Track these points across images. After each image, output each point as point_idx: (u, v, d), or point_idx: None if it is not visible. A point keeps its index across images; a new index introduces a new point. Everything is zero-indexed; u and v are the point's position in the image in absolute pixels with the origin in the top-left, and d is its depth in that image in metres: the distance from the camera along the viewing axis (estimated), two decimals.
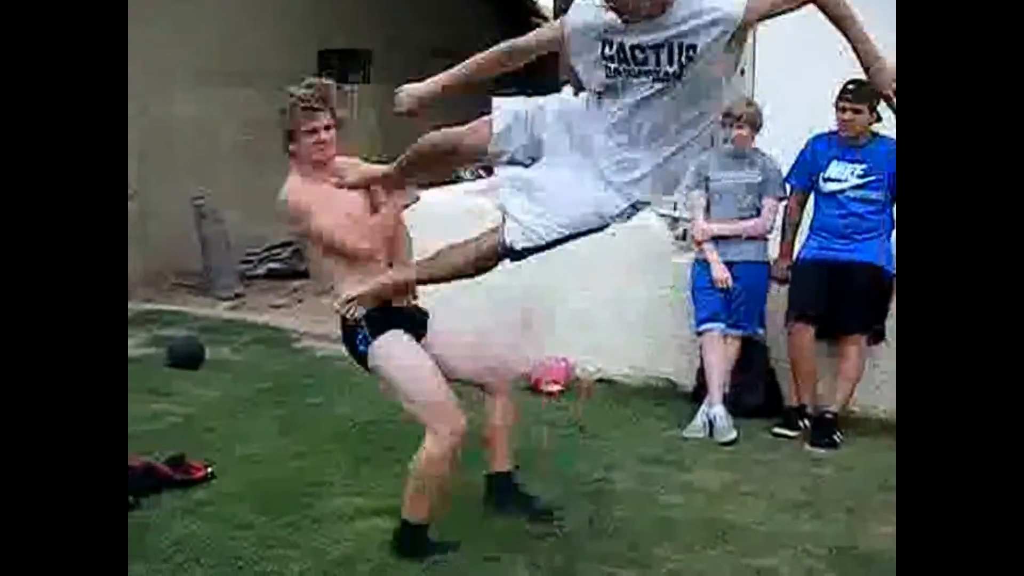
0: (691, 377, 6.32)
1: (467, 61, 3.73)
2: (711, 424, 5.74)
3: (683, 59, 3.21)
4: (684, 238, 6.92)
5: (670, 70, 3.24)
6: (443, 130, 3.91)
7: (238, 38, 10.72)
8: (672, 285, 6.41)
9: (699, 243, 6.15)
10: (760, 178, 6.10)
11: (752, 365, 6.14)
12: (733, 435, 5.70)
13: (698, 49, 3.19)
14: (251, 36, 10.90)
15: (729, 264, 6.01)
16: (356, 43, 12.79)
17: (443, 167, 4.14)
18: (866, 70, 3.09)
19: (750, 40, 7.72)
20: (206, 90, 10.43)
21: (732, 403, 5.89)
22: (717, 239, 6.07)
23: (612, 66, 3.32)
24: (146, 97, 9.63)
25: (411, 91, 3.78)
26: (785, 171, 6.14)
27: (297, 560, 4.09)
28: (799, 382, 5.90)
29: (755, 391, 6.13)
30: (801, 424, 5.82)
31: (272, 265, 10.30)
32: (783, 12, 3.21)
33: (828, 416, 5.73)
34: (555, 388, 6.49)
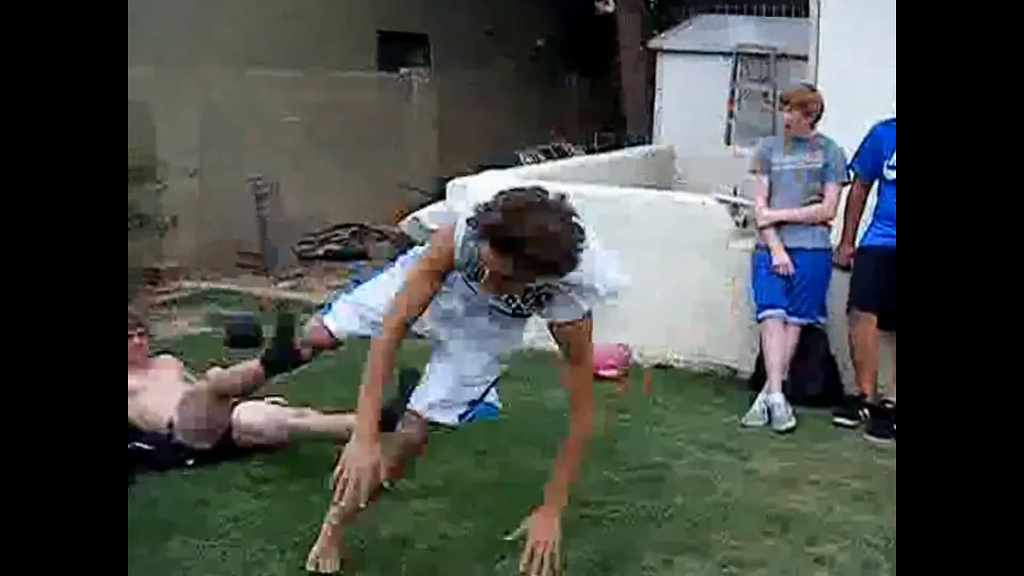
0: (750, 364, 6.28)
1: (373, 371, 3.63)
2: (770, 412, 5.69)
3: (536, 304, 3.49)
4: (745, 224, 6.87)
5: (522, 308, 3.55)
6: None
7: (298, 20, 10.77)
8: (732, 271, 6.36)
9: (761, 229, 6.09)
10: (823, 163, 6.03)
11: (812, 353, 6.09)
12: (792, 423, 5.65)
13: (553, 302, 3.44)
14: (311, 19, 10.96)
15: (791, 251, 5.96)
16: (411, 27, 12.83)
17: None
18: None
19: (815, 26, 7.71)
20: (266, 72, 10.49)
21: (792, 391, 5.84)
22: (779, 225, 6.01)
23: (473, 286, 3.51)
24: (208, 79, 9.72)
25: (369, 463, 3.34)
26: (849, 157, 6.08)
27: (352, 538, 4.09)
28: (860, 371, 5.83)
29: (815, 379, 6.07)
30: (861, 413, 5.75)
31: (330, 246, 10.36)
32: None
33: (889, 405, 5.66)
34: (613, 373, 6.45)
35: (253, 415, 4.98)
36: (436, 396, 3.82)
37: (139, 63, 9.10)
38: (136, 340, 5.36)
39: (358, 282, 4.11)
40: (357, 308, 3.88)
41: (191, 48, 9.60)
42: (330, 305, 4.07)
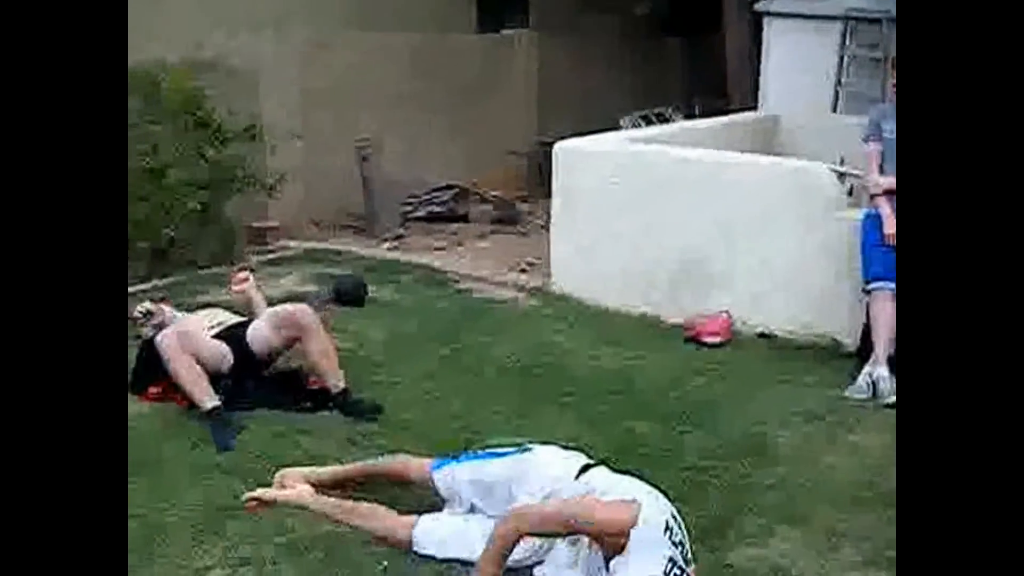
0: (855, 336, 6.22)
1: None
2: (875, 385, 5.62)
3: None
4: (851, 193, 6.80)
5: None
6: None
7: None
8: (838, 241, 6.29)
9: (873, 197, 5.99)
10: None
11: None
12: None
13: None
14: None
15: None
16: None
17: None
18: None
19: None
20: (370, 34, 10.59)
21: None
22: (890, 194, 5.90)
23: None
24: (311, 42, 9.84)
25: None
26: None
27: None
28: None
29: None
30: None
31: (432, 208, 10.44)
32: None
33: None
34: (715, 340, 6.45)
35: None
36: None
37: (242, 29, 9.28)
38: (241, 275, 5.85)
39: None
40: (447, 539, 3.84)
41: (294, 12, 9.72)
42: (444, 462, 4.07)
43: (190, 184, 7.78)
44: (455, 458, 4.04)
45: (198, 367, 5.02)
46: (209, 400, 4.92)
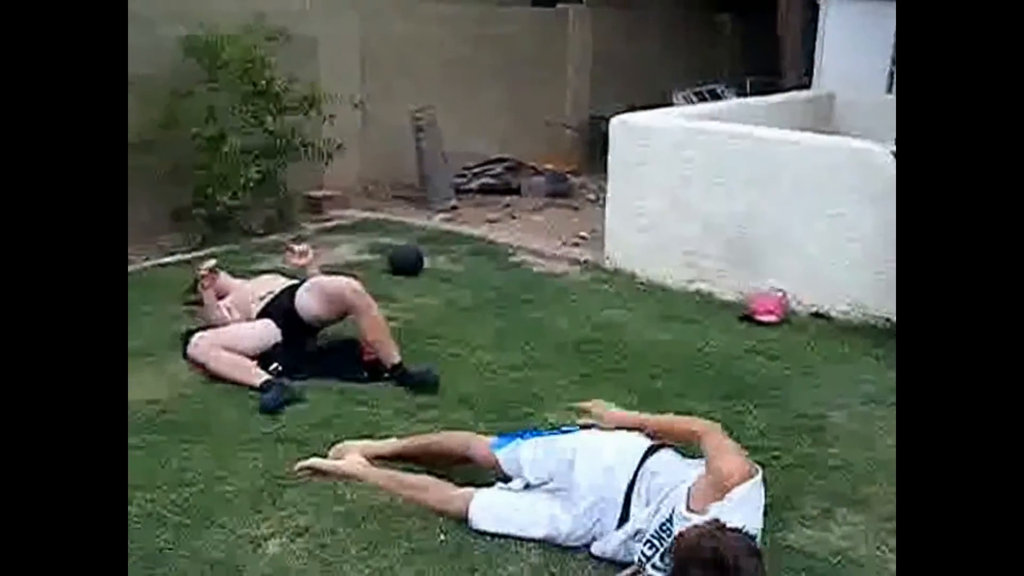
0: None
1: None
2: None
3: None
4: None
5: None
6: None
7: None
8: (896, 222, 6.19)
9: None
10: None
11: None
12: None
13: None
14: None
15: None
16: None
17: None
18: None
19: None
20: (428, 3, 10.56)
21: None
22: None
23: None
24: (369, 12, 9.83)
25: None
26: None
27: None
28: None
29: None
30: None
31: (486, 180, 10.43)
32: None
33: None
34: (771, 319, 6.41)
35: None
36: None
37: None
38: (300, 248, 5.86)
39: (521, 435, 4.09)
40: (504, 515, 3.82)
41: None
42: (506, 440, 4.06)
43: (248, 152, 7.79)
44: (519, 435, 4.04)
45: (237, 355, 5.09)
46: (257, 377, 4.97)
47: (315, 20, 9.06)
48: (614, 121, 7.42)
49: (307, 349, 5.44)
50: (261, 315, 5.41)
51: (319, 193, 9.18)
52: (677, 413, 4.74)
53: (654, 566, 3.37)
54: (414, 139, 9.77)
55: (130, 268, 7.25)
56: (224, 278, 5.71)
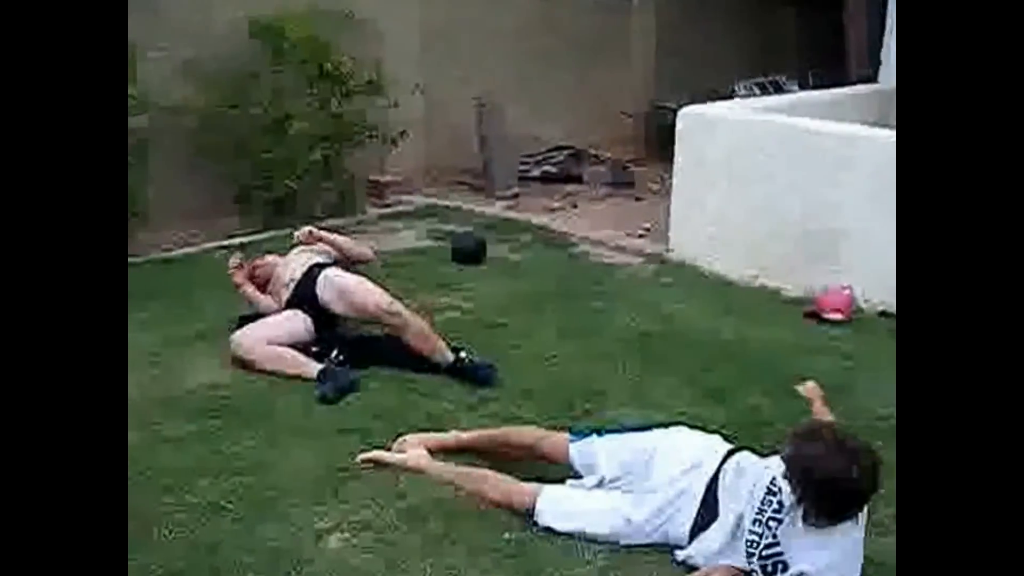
0: None
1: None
2: None
3: None
4: None
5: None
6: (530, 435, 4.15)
7: None
8: None
9: None
10: None
11: None
12: None
13: None
14: None
15: None
16: None
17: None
18: None
19: None
20: None
21: None
22: None
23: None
24: None
25: None
26: None
27: None
28: None
29: None
30: None
31: (547, 168, 10.33)
32: None
33: None
34: (837, 317, 6.28)
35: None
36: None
37: None
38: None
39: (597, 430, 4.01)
40: (571, 511, 3.75)
41: None
42: (582, 433, 4.00)
43: (312, 136, 7.75)
44: (596, 431, 3.97)
45: (285, 350, 5.04)
46: (312, 368, 4.92)
47: (379, 3, 9.00)
48: (682, 112, 7.31)
49: (361, 334, 5.38)
50: (290, 302, 5.33)
51: (381, 178, 9.13)
52: (740, 410, 4.68)
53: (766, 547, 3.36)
54: (477, 125, 9.69)
55: (191, 250, 7.27)
56: (270, 262, 5.66)
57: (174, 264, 6.95)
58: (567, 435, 3.98)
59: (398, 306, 5.12)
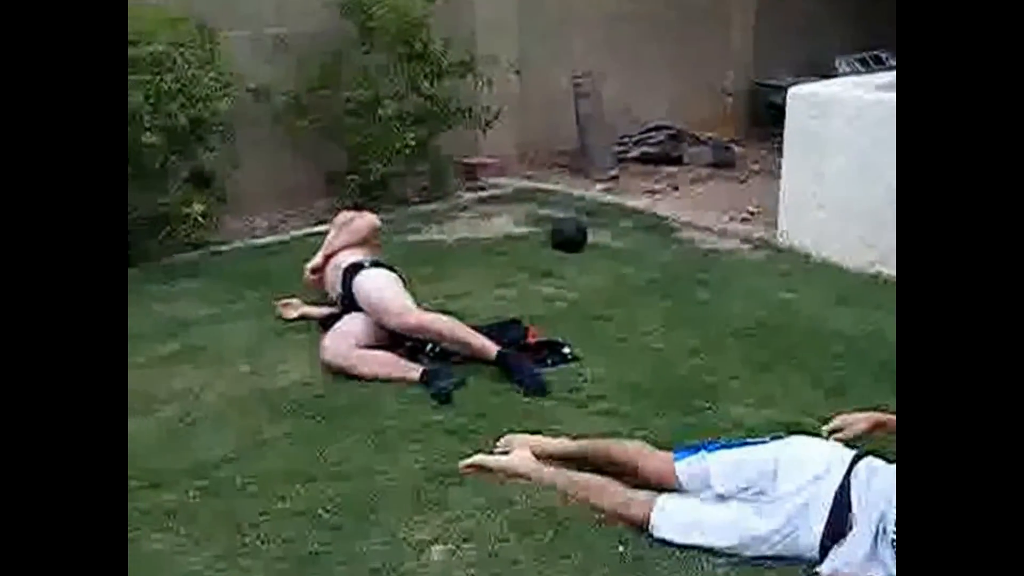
0: None
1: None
2: None
3: None
4: None
5: None
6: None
7: None
8: None
9: None
10: None
11: None
12: None
13: None
14: None
15: None
16: None
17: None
18: None
19: None
20: None
21: None
22: None
23: None
24: None
25: None
26: None
27: None
28: None
29: None
30: None
31: (646, 149, 10.00)
32: None
33: None
34: None
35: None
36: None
37: None
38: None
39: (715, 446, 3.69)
40: (690, 523, 3.47)
41: None
42: (688, 450, 3.69)
43: (403, 118, 7.51)
44: (705, 447, 3.66)
45: (380, 353, 4.78)
46: (411, 370, 4.64)
47: None
48: (792, 91, 6.95)
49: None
50: (345, 308, 5.10)
51: (474, 160, 8.88)
52: (863, 409, 4.33)
53: None
54: (574, 105, 9.38)
55: (282, 236, 7.08)
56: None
57: (264, 251, 6.76)
58: (671, 455, 3.67)
59: (423, 318, 4.87)
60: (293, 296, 5.45)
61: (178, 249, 6.50)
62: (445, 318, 4.89)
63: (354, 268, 5.13)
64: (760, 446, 3.54)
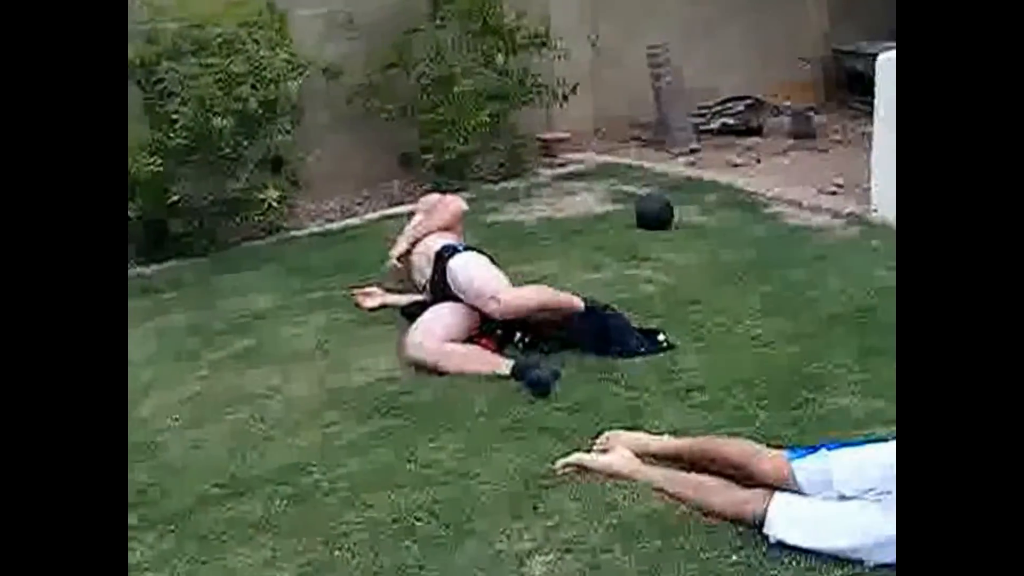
0: None
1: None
2: None
3: None
4: None
5: None
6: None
7: None
8: None
9: None
10: None
11: None
12: None
13: None
14: None
15: None
16: None
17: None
18: None
19: None
20: None
21: None
22: None
23: None
24: None
25: None
26: None
27: None
28: None
29: None
30: None
31: (725, 120, 9.69)
32: None
33: None
34: None
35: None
36: None
37: None
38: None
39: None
40: (809, 524, 3.21)
41: None
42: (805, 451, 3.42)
43: (478, 94, 7.28)
44: (825, 446, 3.40)
45: (469, 347, 4.55)
46: (501, 363, 4.40)
47: None
48: (882, 58, 6.59)
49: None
50: (434, 296, 4.86)
51: (551, 136, 8.63)
52: None
53: None
54: (651, 76, 9.08)
55: (355, 221, 6.89)
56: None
57: (340, 236, 6.58)
58: (784, 453, 3.41)
59: (521, 292, 4.63)
60: (372, 285, 5.23)
61: (251, 236, 6.33)
62: (534, 287, 4.71)
63: (447, 252, 4.87)
64: (882, 445, 3.28)
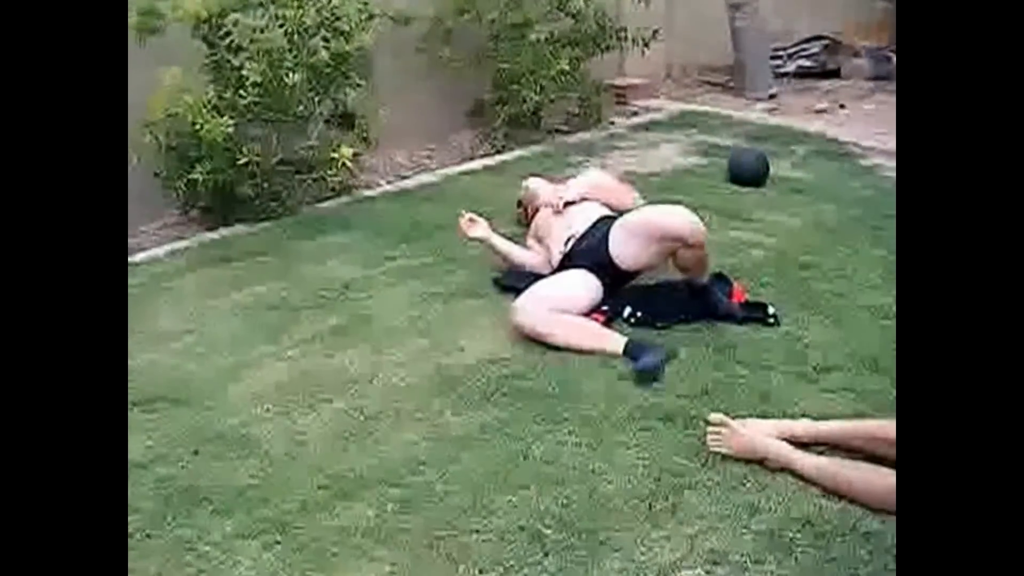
0: None
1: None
2: None
3: None
4: None
5: None
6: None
7: None
8: None
9: None
10: None
11: None
12: None
13: None
14: None
15: None
16: None
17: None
18: None
19: None
20: None
21: None
22: None
23: None
24: None
25: None
26: None
27: None
28: None
29: None
30: None
31: (802, 62, 9.28)
32: None
33: None
34: None
35: None
36: None
37: None
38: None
39: None
40: None
41: None
42: None
43: (555, 41, 6.89)
44: None
45: (583, 320, 4.20)
46: (612, 343, 4.05)
47: None
48: None
49: (648, 283, 4.50)
50: (567, 259, 4.50)
51: (623, 82, 8.24)
52: None
53: None
54: (728, 18, 8.65)
55: (428, 177, 6.55)
56: (539, 190, 4.93)
57: (416, 196, 6.21)
58: None
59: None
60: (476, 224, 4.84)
61: (321, 197, 6.00)
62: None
63: (609, 218, 4.52)
64: None
